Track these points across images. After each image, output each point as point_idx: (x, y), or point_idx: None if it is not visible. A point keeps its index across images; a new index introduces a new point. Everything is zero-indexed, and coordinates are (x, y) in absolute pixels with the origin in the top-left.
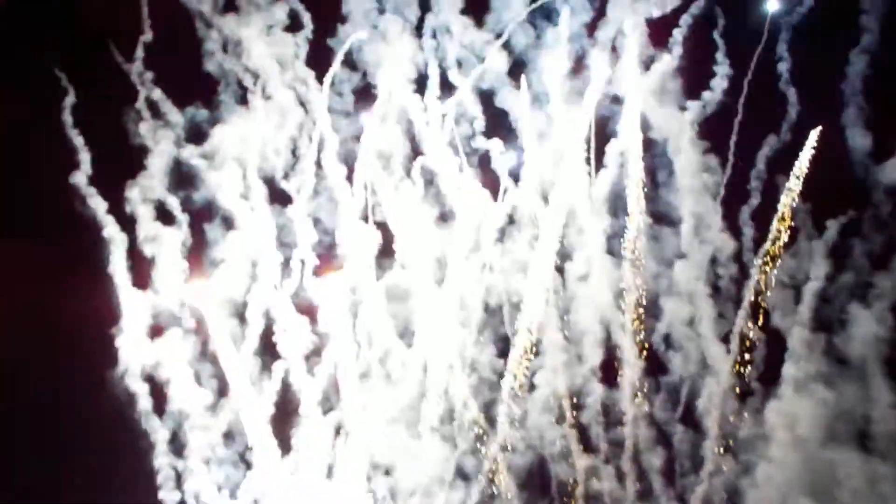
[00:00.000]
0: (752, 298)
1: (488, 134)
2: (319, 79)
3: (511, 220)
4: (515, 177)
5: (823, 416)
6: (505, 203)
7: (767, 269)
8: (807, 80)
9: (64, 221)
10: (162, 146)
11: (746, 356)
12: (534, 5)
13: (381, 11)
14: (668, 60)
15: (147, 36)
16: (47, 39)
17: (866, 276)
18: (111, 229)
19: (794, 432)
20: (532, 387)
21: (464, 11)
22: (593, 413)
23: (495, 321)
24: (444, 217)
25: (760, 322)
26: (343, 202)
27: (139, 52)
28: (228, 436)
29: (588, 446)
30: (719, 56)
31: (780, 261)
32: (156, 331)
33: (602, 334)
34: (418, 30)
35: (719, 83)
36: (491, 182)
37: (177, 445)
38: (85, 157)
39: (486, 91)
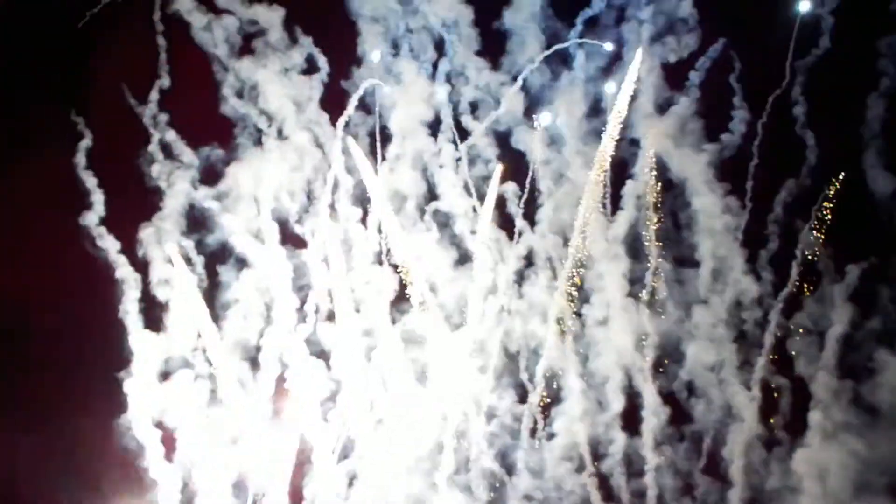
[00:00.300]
0: (775, 344)
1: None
2: (334, 121)
3: (529, 263)
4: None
5: (854, 466)
6: (520, 245)
7: (790, 314)
8: (825, 124)
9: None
10: (176, 188)
11: (772, 404)
12: (548, 51)
13: (396, 54)
14: (685, 103)
15: (164, 81)
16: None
17: (892, 322)
18: (124, 270)
19: (824, 483)
20: (551, 435)
21: (479, 53)
22: (614, 462)
23: (514, 366)
24: (461, 260)
25: (785, 369)
26: (357, 245)
27: (153, 95)
28: (238, 486)
29: (609, 496)
30: (736, 100)
31: (803, 306)
32: (166, 375)
33: (623, 381)
34: (434, 72)
35: (737, 126)
36: (506, 224)
37: (186, 495)
38: (98, 198)
39: (502, 132)
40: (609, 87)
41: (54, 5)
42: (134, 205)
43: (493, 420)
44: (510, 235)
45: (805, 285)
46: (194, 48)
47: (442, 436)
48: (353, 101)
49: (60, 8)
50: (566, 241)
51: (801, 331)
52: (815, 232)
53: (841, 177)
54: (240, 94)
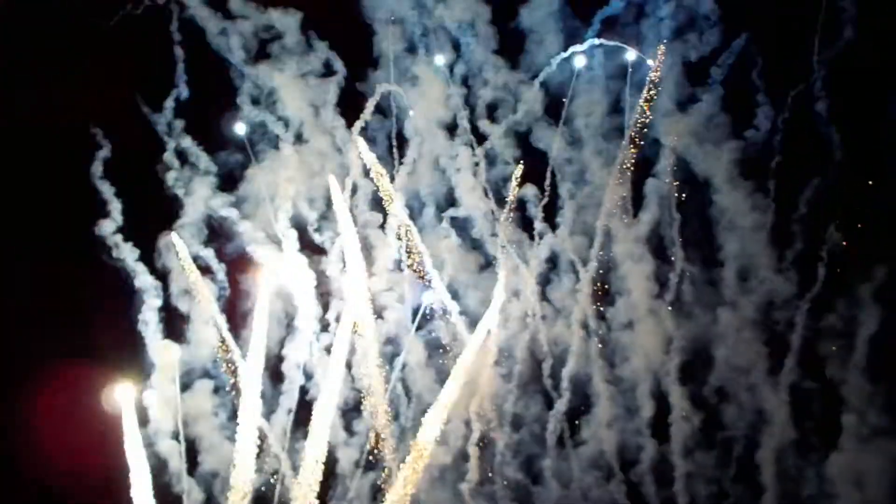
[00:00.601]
0: (804, 346)
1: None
2: (351, 125)
3: (552, 266)
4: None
5: (892, 470)
6: (542, 247)
7: (819, 316)
8: (850, 120)
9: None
10: (194, 196)
11: (803, 407)
12: (566, 53)
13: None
14: (708, 100)
15: (181, 87)
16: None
17: None
18: (143, 279)
19: (861, 489)
20: (578, 442)
21: (497, 52)
22: (644, 469)
23: (539, 372)
24: (483, 264)
25: (816, 371)
26: (378, 251)
27: (169, 102)
28: (261, 499)
29: None
30: (760, 96)
31: (832, 307)
32: (187, 385)
33: (651, 385)
34: (451, 73)
35: (761, 123)
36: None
37: None
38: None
39: (521, 133)
40: (629, 85)
41: (69, 15)
42: (152, 213)
43: (520, 428)
44: (531, 238)
45: (832, 286)
46: (210, 54)
47: (467, 445)
48: (370, 106)
49: (76, 17)
50: (590, 243)
51: (830, 332)
52: (841, 231)
53: (866, 174)
54: (256, 100)
